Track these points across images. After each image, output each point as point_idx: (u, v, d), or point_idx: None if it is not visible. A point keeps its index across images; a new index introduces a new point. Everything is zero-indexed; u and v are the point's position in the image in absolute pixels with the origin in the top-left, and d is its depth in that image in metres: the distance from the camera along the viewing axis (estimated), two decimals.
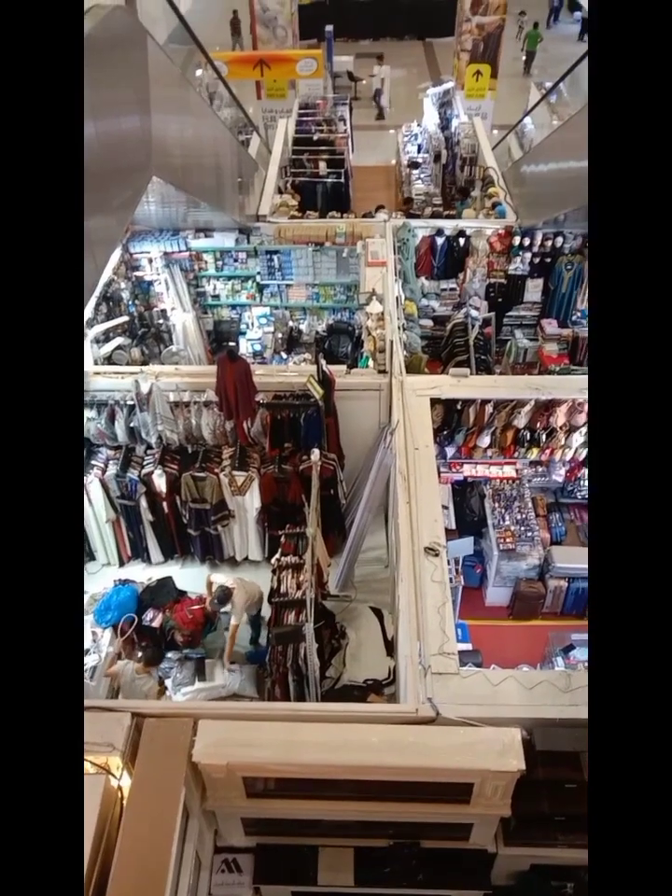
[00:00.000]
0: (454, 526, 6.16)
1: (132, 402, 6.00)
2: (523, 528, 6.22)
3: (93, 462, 6.15)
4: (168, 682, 5.45)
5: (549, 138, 8.24)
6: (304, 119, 12.30)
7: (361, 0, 23.82)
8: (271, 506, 6.17)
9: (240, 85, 14.02)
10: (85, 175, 2.37)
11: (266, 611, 5.57)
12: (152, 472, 6.02)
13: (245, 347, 8.54)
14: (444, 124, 12.45)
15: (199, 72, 10.81)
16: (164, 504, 6.19)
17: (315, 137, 11.69)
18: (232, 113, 10.81)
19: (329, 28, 17.75)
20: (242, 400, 5.80)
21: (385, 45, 22.53)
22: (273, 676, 5.08)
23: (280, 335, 8.43)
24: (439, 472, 6.09)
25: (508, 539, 6.19)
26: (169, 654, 5.57)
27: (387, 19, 23.23)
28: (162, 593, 5.93)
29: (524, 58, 19.93)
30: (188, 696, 5.30)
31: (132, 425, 6.10)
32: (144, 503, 6.15)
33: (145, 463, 6.09)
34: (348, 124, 12.60)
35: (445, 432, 6.33)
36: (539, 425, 6.16)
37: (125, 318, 7.68)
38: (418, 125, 13.16)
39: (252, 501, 6.13)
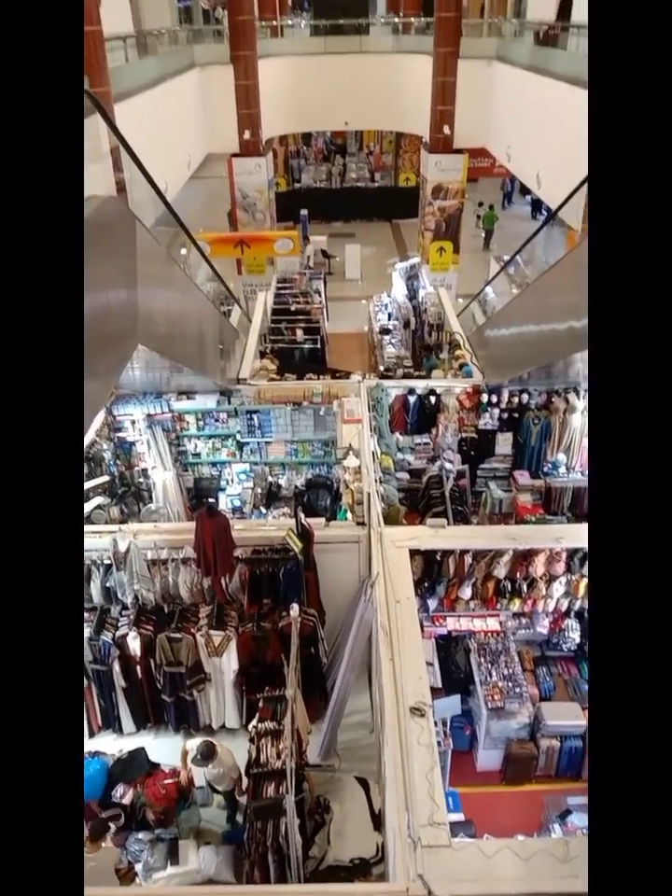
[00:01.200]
0: (439, 684, 5.96)
1: (108, 561, 5.94)
2: (510, 684, 6.03)
3: None
4: (138, 867, 4.98)
5: (508, 305, 8.90)
6: (282, 291, 13.18)
7: (333, 188, 26.39)
8: (249, 667, 5.94)
9: (223, 262, 15.11)
10: None
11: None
12: (127, 634, 5.84)
13: (224, 503, 8.61)
14: (412, 294, 13.37)
15: (183, 251, 11.71)
16: (138, 668, 5.94)
17: (293, 308, 12.48)
18: (215, 287, 11.57)
19: (304, 212, 19.52)
20: (220, 556, 5.77)
21: (356, 226, 24.66)
22: (252, 856, 4.66)
23: (259, 490, 8.54)
24: (421, 626, 5.99)
25: (496, 697, 5.98)
26: (140, 835, 5.13)
27: (358, 204, 25.61)
28: (134, 766, 5.54)
29: (483, 235, 21.85)
30: (160, 882, 4.83)
31: (107, 585, 5.99)
32: (117, 668, 5.90)
33: (119, 625, 5.92)
34: (323, 296, 13.50)
35: (426, 584, 6.29)
36: (518, 575, 6.16)
37: (106, 478, 7.77)
38: (388, 296, 14.11)
39: (229, 663, 5.91)
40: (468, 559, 6.12)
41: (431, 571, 6.25)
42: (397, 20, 24.37)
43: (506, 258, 12.55)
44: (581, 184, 7.07)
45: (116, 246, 4.61)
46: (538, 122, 13.08)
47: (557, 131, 11.69)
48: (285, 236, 15.73)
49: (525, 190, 23.03)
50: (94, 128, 6.30)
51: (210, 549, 5.78)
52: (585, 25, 12.33)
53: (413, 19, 22.29)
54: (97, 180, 6.40)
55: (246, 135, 17.26)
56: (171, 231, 9.13)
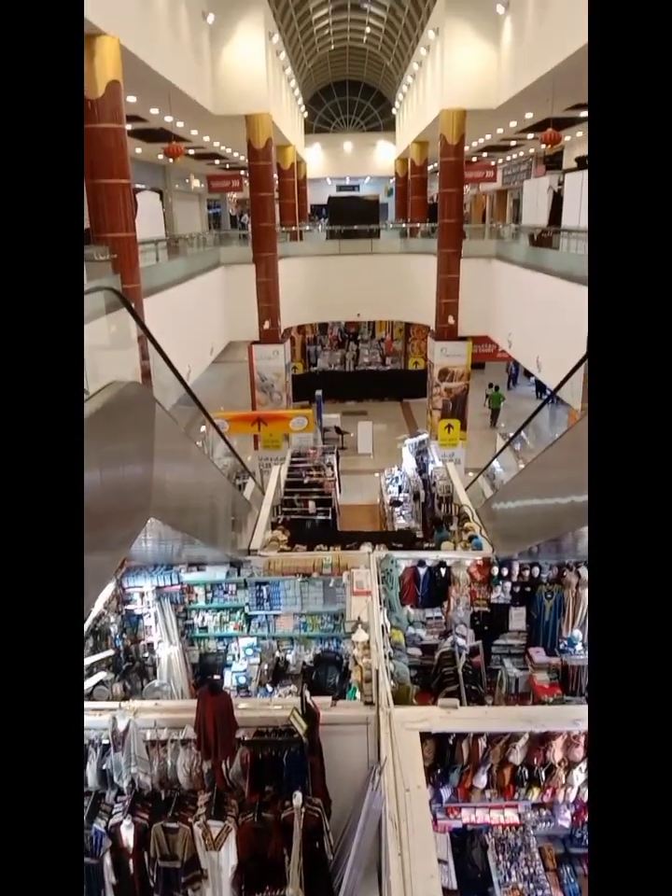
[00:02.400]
0: (454, 885, 5.44)
1: (106, 741, 5.70)
2: (532, 887, 5.49)
3: None
4: None
5: (513, 479, 9.12)
6: (296, 465, 13.61)
7: (347, 371, 27.94)
8: (248, 862, 5.49)
9: (241, 437, 15.76)
10: (86, 515, 2.63)
11: None
12: (121, 823, 5.47)
13: (229, 680, 8.35)
14: (421, 468, 13.74)
15: (203, 428, 12.28)
16: (131, 862, 5.50)
17: (306, 480, 12.83)
18: (232, 461, 12.00)
19: (319, 392, 20.58)
20: (221, 738, 5.53)
21: (368, 405, 25.82)
22: None
23: (266, 666, 8.31)
24: (434, 818, 5.60)
25: None
26: None
27: (370, 385, 26.99)
28: None
29: (490, 414, 22.78)
30: None
31: (104, 767, 5.71)
32: (108, 861, 5.47)
33: (114, 812, 5.56)
34: (336, 469, 13.91)
35: (439, 771, 5.93)
36: (536, 761, 5.80)
37: (110, 652, 7.64)
38: (398, 470, 14.50)
39: (228, 858, 5.47)
40: (482, 743, 5.81)
41: (444, 756, 5.91)
42: (404, 224, 27.08)
43: (511, 434, 13.00)
44: (577, 366, 7.53)
45: (135, 426, 4.92)
46: (535, 312, 14.11)
47: (553, 319, 12.57)
48: (300, 414, 16.50)
49: (528, 372, 24.30)
50: (124, 318, 6.93)
51: (211, 730, 5.56)
52: (574, 229, 13.68)
53: (419, 224, 24.74)
54: (124, 365, 6.95)
55: (266, 325, 18.64)
56: (192, 410, 9.69)
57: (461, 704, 6.55)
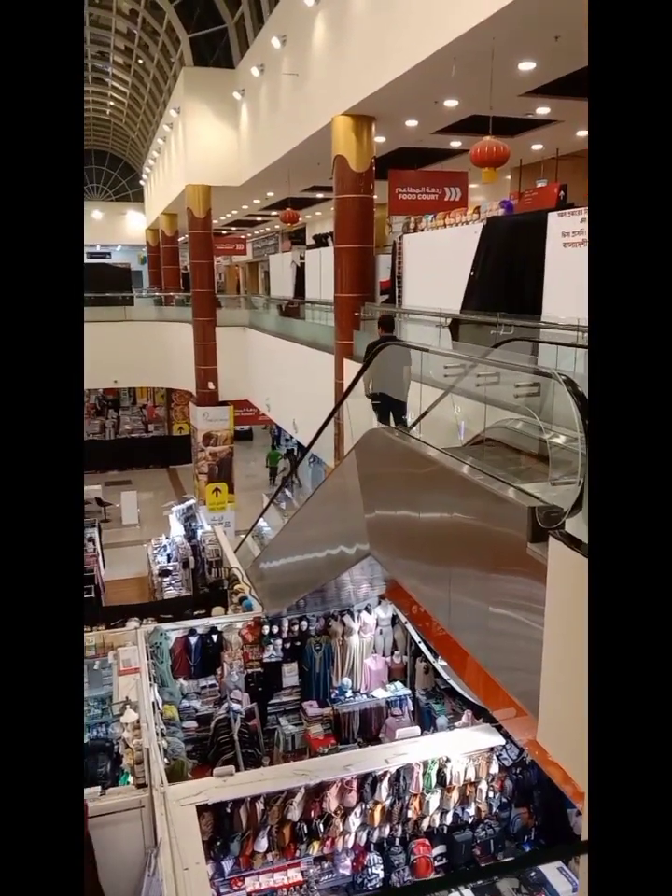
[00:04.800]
0: None
1: None
2: None
3: None
4: None
5: (277, 536, 9.43)
6: None
7: (107, 439, 26.96)
8: None
9: None
10: None
11: None
12: None
13: None
14: (190, 535, 13.61)
15: None
16: None
17: None
18: None
19: None
20: None
21: (132, 473, 25.04)
22: None
23: None
24: (219, 893, 5.47)
25: None
26: None
27: (132, 453, 26.24)
28: None
29: (268, 473, 23.15)
30: None
31: None
32: None
33: None
34: (97, 544, 13.28)
35: (219, 843, 5.81)
36: (313, 814, 5.93)
37: None
38: (167, 538, 14.22)
39: None
40: (259, 805, 5.82)
41: (223, 827, 5.81)
42: (159, 293, 27.19)
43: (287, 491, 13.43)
44: (324, 426, 8.11)
45: None
46: (288, 377, 14.88)
47: (304, 383, 13.36)
48: None
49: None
50: None
51: None
52: (316, 301, 14.73)
53: (173, 292, 25.00)
54: None
55: None
56: None
57: (238, 769, 6.53)
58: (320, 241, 17.13)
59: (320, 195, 20.00)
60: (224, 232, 32.67)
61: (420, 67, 8.13)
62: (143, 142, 32.54)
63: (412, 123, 11.26)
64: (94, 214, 41.83)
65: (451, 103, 9.84)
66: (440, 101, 9.84)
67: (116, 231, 42.09)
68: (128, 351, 20.78)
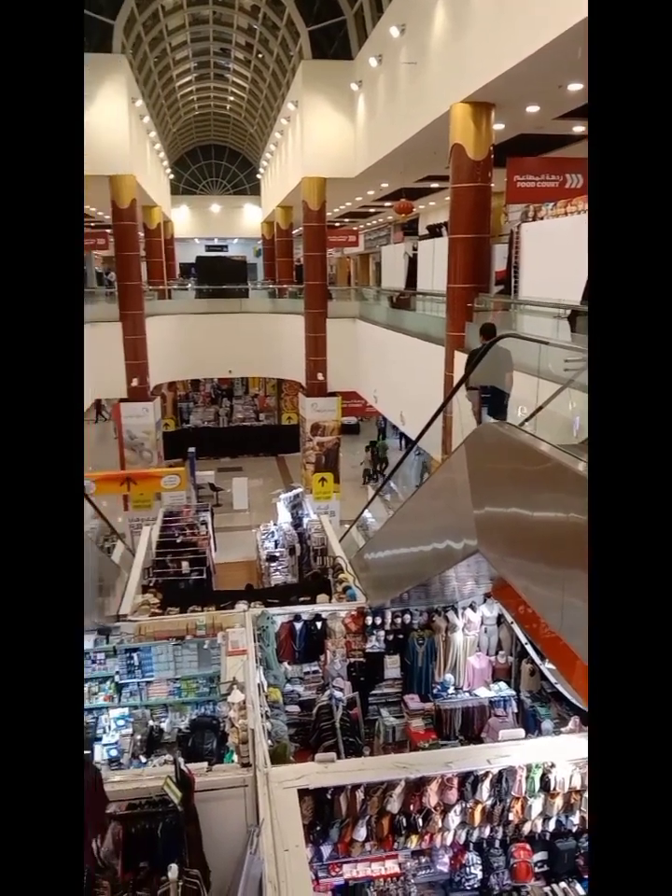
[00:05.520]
0: None
1: None
2: None
3: None
4: None
5: (382, 528, 9.42)
6: (169, 524, 13.34)
7: (221, 427, 27.86)
8: None
9: (109, 498, 15.26)
10: None
11: None
12: None
13: (100, 754, 7.92)
14: (297, 523, 13.86)
15: None
16: None
17: (179, 540, 12.59)
18: (99, 524, 11.60)
19: (192, 450, 20.37)
20: (90, 814, 5.24)
21: (242, 460, 25.78)
22: None
23: (139, 736, 7.95)
24: (316, 877, 5.56)
25: None
26: None
27: (244, 441, 27.01)
28: None
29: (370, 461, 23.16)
30: None
31: None
32: None
33: None
34: (210, 527, 13.74)
35: (318, 827, 5.90)
36: (412, 808, 5.91)
37: None
38: (274, 525, 14.54)
39: None
40: (359, 795, 5.85)
41: (323, 812, 5.90)
42: (273, 285, 27.73)
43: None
44: (433, 419, 8.02)
45: None
46: (397, 369, 14.82)
47: (412, 376, 13.26)
48: (172, 472, 16.24)
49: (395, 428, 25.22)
50: None
51: None
52: (428, 292, 14.57)
53: (286, 285, 25.43)
54: None
55: (134, 383, 18.36)
56: None
57: (339, 757, 6.59)
58: (434, 231, 16.93)
59: (435, 185, 19.73)
60: (337, 224, 32.89)
61: (544, 51, 7.84)
62: (261, 136, 33.22)
63: (532, 109, 10.90)
64: (212, 207, 43.19)
65: (575, 86, 9.44)
66: (563, 85, 9.46)
67: (233, 224, 43.28)
68: (242, 342, 21.35)
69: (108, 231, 24.49)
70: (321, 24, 18.54)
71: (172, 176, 36.76)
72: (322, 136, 18.63)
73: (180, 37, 24.67)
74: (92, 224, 30.28)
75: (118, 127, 17.75)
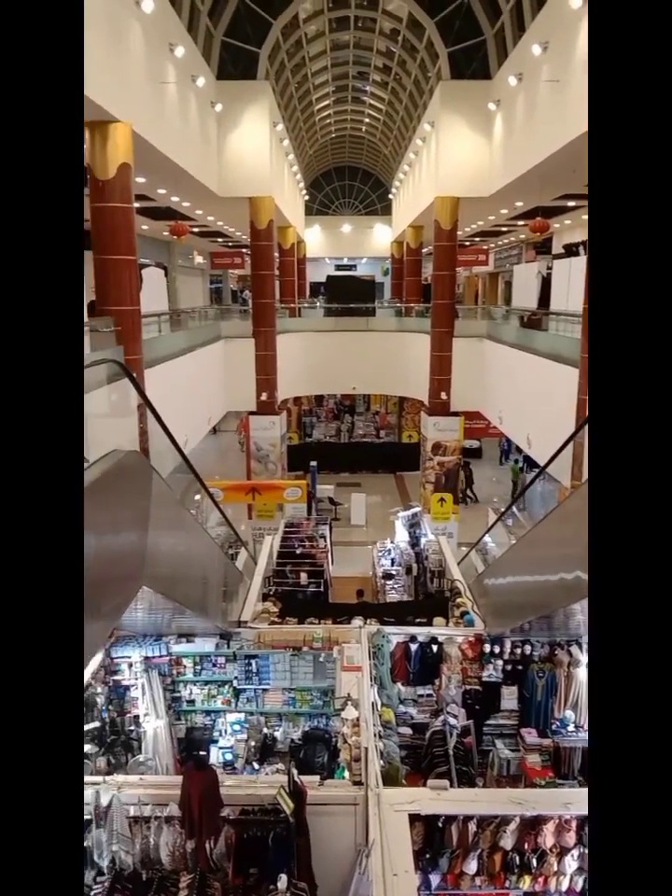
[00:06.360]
0: None
1: (88, 817, 5.56)
2: None
3: None
4: None
5: (505, 555, 9.17)
6: (289, 535, 13.62)
7: (342, 442, 28.21)
8: None
9: (234, 507, 15.78)
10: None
11: None
12: None
13: (215, 756, 8.16)
14: (414, 542, 13.76)
15: (197, 496, 12.35)
16: None
17: (298, 551, 12.82)
18: (225, 531, 12.02)
19: (314, 463, 20.72)
20: (206, 816, 5.41)
21: (362, 476, 25.95)
22: None
23: (253, 743, 8.14)
24: None
25: None
26: None
27: (364, 457, 27.21)
28: None
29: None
30: None
31: (84, 844, 5.55)
32: None
33: (92, 894, 5.38)
34: (328, 541, 13.91)
35: (428, 855, 5.78)
36: (527, 846, 5.67)
37: (96, 724, 7.50)
38: (391, 542, 14.51)
39: None
40: (472, 826, 5.69)
41: (433, 840, 5.77)
42: (399, 304, 27.88)
43: (502, 508, 13.10)
44: (566, 443, 7.73)
45: (132, 494, 5.01)
46: (525, 390, 14.45)
47: (542, 398, 12.87)
48: (294, 485, 16.60)
49: (518, 448, 24.51)
50: (125, 388, 7.11)
51: (196, 807, 5.44)
52: (562, 312, 14.15)
53: (413, 304, 25.49)
54: (123, 433, 7.11)
55: (263, 397, 18.96)
56: (187, 478, 9.80)
57: (452, 785, 6.44)
58: (571, 250, 16.43)
59: (572, 203, 19.20)
60: (467, 244, 32.65)
61: None
62: (395, 157, 33.60)
63: None
64: (344, 227, 44.04)
65: None
66: None
67: (362, 243, 43.96)
68: (367, 359, 21.57)
69: (245, 250, 25.52)
70: (461, 45, 18.57)
71: (306, 197, 37.87)
72: (457, 156, 18.60)
73: (321, 63, 25.46)
74: (230, 244, 31.67)
75: (259, 150, 18.52)
